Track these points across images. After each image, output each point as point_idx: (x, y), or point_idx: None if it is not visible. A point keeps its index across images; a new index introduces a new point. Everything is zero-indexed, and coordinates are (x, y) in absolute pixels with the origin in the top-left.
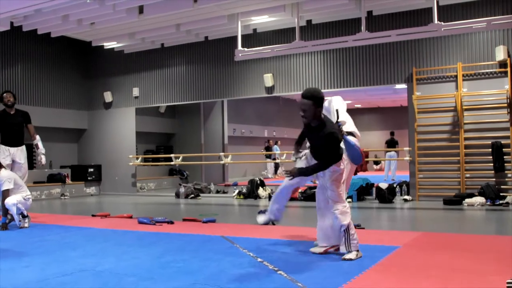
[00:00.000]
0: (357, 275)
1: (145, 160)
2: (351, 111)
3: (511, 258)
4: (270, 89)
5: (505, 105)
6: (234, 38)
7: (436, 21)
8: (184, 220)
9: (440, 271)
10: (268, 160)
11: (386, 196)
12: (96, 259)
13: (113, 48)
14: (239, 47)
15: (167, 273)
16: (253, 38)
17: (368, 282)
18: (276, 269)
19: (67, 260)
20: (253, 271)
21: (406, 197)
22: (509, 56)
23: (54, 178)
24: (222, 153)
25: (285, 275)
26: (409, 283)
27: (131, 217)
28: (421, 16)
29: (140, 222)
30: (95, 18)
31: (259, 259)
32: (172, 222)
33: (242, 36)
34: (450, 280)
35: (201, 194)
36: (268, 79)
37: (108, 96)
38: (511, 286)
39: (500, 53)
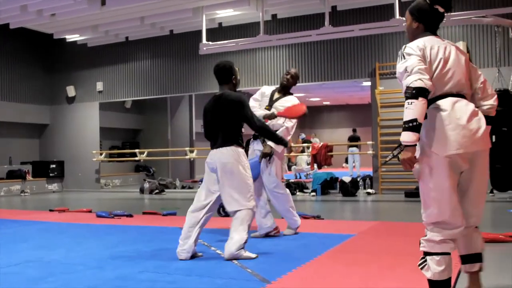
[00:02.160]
0: (308, 261)
1: (110, 156)
2: (319, 108)
3: None
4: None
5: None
6: (200, 32)
7: (397, 16)
8: (144, 213)
9: (390, 256)
10: None
11: (349, 189)
12: (46, 250)
13: (75, 41)
14: (204, 40)
15: (117, 262)
16: (219, 32)
17: (317, 267)
18: None
19: (16, 251)
20: (204, 259)
21: (369, 190)
22: (468, 51)
23: (14, 175)
24: (187, 148)
25: (236, 262)
26: (357, 267)
27: (90, 212)
28: (384, 12)
29: (99, 216)
30: (56, 9)
31: (212, 248)
32: (131, 216)
33: (207, 30)
34: (399, 264)
35: (166, 190)
36: None
37: (71, 91)
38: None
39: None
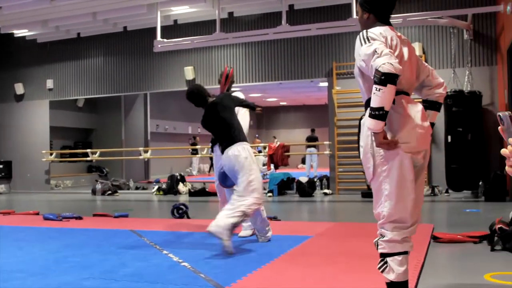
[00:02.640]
0: (263, 265)
1: (61, 156)
2: (277, 109)
3: (419, 243)
4: (191, 82)
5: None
6: (154, 29)
7: (355, 15)
8: (95, 215)
9: (347, 258)
10: (194, 156)
11: (306, 189)
12: None
13: (24, 37)
14: (159, 38)
15: (61, 268)
16: (174, 29)
17: (273, 271)
18: (180, 260)
19: None
20: (155, 264)
21: (326, 190)
22: (424, 53)
23: None
24: (141, 148)
25: (189, 266)
26: (313, 270)
27: (37, 214)
28: (341, 11)
29: (46, 219)
30: (2, 2)
31: (164, 251)
32: (80, 218)
33: (163, 27)
34: (355, 265)
35: (120, 191)
36: (189, 72)
37: (19, 88)
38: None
39: (416, 50)
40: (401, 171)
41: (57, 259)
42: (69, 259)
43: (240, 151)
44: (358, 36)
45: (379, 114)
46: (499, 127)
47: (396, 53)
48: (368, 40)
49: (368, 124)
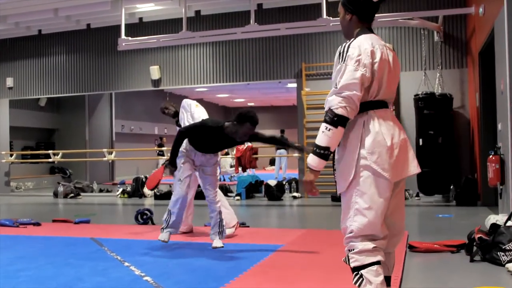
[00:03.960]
0: (232, 279)
1: (22, 157)
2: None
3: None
4: (156, 82)
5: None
6: (119, 26)
7: (325, 16)
8: (54, 221)
9: (321, 270)
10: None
11: (275, 193)
12: None
13: None
14: (123, 36)
15: (12, 284)
16: (139, 27)
17: (243, 286)
18: (143, 274)
19: None
20: (116, 277)
21: (295, 194)
22: None
23: None
24: (105, 149)
25: (152, 281)
26: (286, 285)
27: None
28: (311, 11)
29: (1, 225)
30: None
31: (126, 263)
32: (38, 224)
33: (127, 25)
34: (330, 279)
35: (82, 194)
36: (155, 71)
37: None
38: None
39: None
40: (376, 187)
41: (7, 273)
42: (21, 272)
43: None
44: (341, 45)
45: (323, 153)
46: None
47: (375, 66)
48: (344, 58)
49: (310, 160)
